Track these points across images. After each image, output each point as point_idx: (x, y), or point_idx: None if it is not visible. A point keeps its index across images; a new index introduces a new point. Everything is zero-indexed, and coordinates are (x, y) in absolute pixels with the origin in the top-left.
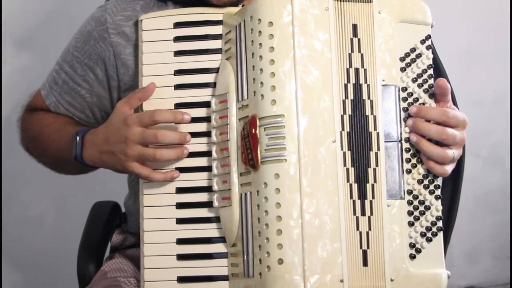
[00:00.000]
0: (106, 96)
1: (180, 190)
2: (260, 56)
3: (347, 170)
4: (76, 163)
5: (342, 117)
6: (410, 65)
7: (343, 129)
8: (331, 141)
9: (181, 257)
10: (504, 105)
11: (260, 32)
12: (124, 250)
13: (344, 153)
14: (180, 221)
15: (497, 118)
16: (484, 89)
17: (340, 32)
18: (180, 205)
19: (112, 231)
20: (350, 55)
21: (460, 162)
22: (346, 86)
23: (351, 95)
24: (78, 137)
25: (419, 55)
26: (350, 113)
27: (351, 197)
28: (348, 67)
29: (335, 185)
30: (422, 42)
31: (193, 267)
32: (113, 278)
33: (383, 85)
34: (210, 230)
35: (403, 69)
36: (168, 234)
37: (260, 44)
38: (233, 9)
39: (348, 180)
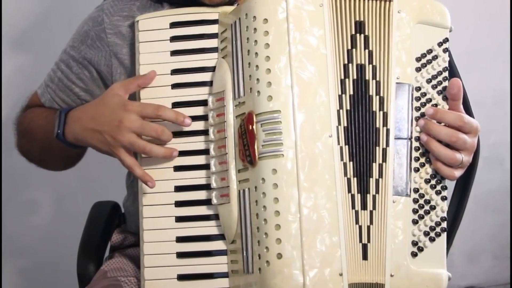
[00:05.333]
0: (99, 94)
1: (179, 189)
2: (256, 53)
3: (345, 164)
4: (60, 147)
5: (338, 112)
6: (425, 66)
7: (339, 124)
8: (327, 136)
9: (181, 255)
10: (504, 105)
11: (255, 29)
12: (124, 250)
13: (341, 148)
14: (179, 219)
15: (497, 118)
16: (484, 89)
17: (337, 28)
18: (179, 203)
19: (112, 231)
20: (349, 51)
21: (471, 170)
22: (343, 82)
23: (350, 90)
24: (61, 114)
25: (435, 57)
26: (348, 108)
27: (349, 191)
28: (346, 62)
29: (332, 179)
30: (440, 44)
31: (193, 265)
32: (114, 277)
33: (397, 83)
34: (209, 228)
35: (418, 69)
36: (167, 232)
37: (256, 41)
38: (229, 8)
39: (345, 174)
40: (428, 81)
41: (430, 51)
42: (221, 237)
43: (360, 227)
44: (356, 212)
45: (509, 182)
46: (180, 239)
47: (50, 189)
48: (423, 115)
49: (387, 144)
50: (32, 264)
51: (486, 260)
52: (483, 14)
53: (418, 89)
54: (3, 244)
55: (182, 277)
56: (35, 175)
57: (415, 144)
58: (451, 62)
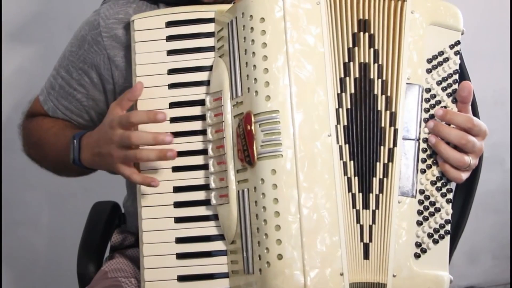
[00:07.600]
0: (102, 99)
1: (177, 189)
2: (253, 53)
3: (344, 163)
4: (76, 167)
5: (337, 110)
6: (436, 68)
7: (338, 122)
8: (326, 135)
9: (180, 256)
10: (504, 105)
11: (252, 28)
12: (124, 250)
13: (341, 147)
14: (179, 220)
15: (497, 118)
16: (484, 89)
17: (336, 26)
18: (178, 204)
19: (112, 231)
20: (350, 49)
21: (476, 173)
22: (343, 80)
23: (350, 89)
24: (75, 141)
25: (446, 59)
26: (349, 107)
27: (350, 190)
28: (346, 61)
29: (332, 179)
30: (451, 47)
31: (193, 266)
32: (114, 278)
33: (407, 83)
34: (208, 228)
35: (429, 71)
36: (167, 233)
37: (253, 40)
38: (225, 7)
39: (345, 173)
40: (438, 83)
41: (441, 53)
42: (221, 237)
43: (361, 227)
44: (357, 212)
45: (509, 182)
46: (179, 240)
47: (50, 189)
48: (432, 116)
49: (395, 144)
50: (32, 264)
51: (486, 260)
52: (483, 14)
53: (428, 90)
54: (3, 244)
55: (182, 278)
56: (35, 175)
57: (423, 145)
58: (461, 65)
